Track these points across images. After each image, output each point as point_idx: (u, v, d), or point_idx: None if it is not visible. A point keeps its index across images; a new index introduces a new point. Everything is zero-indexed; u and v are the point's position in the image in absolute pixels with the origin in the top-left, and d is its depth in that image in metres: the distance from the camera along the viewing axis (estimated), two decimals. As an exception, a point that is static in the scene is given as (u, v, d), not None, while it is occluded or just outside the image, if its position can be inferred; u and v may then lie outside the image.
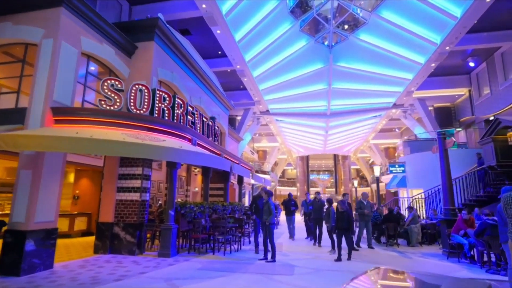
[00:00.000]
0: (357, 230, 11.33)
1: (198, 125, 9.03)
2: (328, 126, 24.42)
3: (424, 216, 12.40)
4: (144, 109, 6.94)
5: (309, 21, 15.15)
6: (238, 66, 15.73)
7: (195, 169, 16.06)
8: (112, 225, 7.75)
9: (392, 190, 21.36)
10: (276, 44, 15.06)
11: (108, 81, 6.54)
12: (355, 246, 8.65)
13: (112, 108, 6.44)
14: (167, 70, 9.25)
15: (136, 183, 7.86)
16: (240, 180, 14.80)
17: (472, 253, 7.24)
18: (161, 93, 7.49)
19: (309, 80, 18.37)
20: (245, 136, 24.94)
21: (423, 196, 13.15)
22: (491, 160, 10.00)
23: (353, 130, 27.10)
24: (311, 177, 45.04)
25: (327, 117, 22.33)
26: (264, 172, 29.68)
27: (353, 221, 7.12)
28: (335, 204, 7.87)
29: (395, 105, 21.01)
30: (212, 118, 10.79)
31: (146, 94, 7.07)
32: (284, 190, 41.68)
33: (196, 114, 8.90)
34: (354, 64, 16.88)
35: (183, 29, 14.69)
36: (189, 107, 8.51)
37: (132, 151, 5.41)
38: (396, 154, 33.34)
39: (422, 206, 13.03)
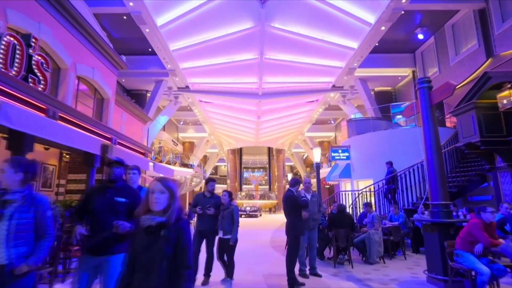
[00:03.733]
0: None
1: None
2: (260, 110, 20.81)
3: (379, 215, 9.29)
4: None
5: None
6: (131, 4, 10.77)
7: (67, 154, 10.84)
8: None
9: (331, 183, 18.70)
10: (187, -25, 10.60)
11: None
12: (298, 279, 4.66)
13: None
14: None
15: None
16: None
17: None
18: None
19: (237, 45, 14.34)
20: (161, 119, 19.92)
21: (373, 189, 10.14)
22: (472, 136, 7.13)
23: (287, 118, 24.03)
24: (245, 174, 42.01)
25: (258, 97, 18.64)
26: (185, 165, 24.78)
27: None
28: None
29: (334, 87, 18.35)
30: (26, 38, 5.56)
31: None
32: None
33: None
34: (291, 26, 13.35)
35: None
36: None
37: None
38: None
39: (372, 203, 9.98)
